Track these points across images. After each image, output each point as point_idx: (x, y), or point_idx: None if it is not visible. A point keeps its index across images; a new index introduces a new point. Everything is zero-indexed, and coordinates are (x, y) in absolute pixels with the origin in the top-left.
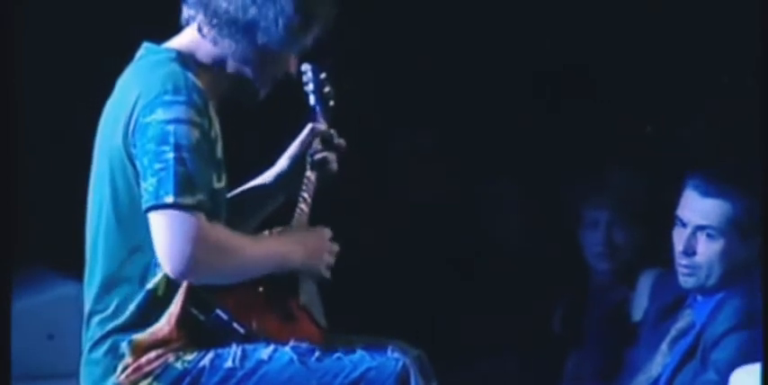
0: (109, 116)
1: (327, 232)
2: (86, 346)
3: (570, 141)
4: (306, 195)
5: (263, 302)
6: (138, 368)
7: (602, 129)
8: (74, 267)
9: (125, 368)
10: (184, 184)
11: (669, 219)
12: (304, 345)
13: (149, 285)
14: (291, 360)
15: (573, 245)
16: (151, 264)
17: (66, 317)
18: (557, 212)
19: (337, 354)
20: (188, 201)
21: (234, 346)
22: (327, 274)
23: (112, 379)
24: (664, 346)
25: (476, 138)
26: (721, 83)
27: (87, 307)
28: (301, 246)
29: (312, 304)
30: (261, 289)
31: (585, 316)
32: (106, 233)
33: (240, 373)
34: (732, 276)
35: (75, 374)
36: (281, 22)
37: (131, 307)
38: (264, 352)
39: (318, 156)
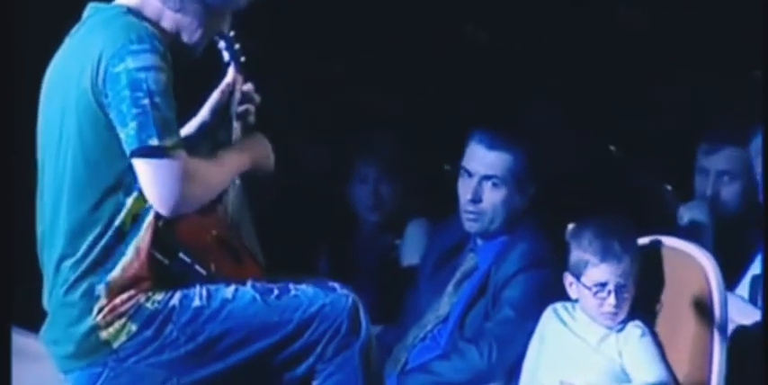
0: (64, 73)
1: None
2: (60, 289)
3: (343, 102)
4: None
5: (217, 246)
6: (113, 309)
7: (371, 92)
8: None
9: (101, 309)
10: (163, 127)
11: (430, 174)
12: (261, 284)
13: (117, 222)
14: (254, 298)
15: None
16: (120, 204)
17: None
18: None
19: (293, 292)
20: (169, 142)
21: (198, 287)
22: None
23: (89, 320)
24: (450, 288)
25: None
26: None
27: (55, 254)
28: (253, 149)
29: (253, 246)
30: (214, 232)
31: (355, 263)
32: (73, 182)
33: (207, 312)
34: (511, 222)
35: None
36: None
37: (100, 245)
38: (228, 291)
39: (241, 107)
